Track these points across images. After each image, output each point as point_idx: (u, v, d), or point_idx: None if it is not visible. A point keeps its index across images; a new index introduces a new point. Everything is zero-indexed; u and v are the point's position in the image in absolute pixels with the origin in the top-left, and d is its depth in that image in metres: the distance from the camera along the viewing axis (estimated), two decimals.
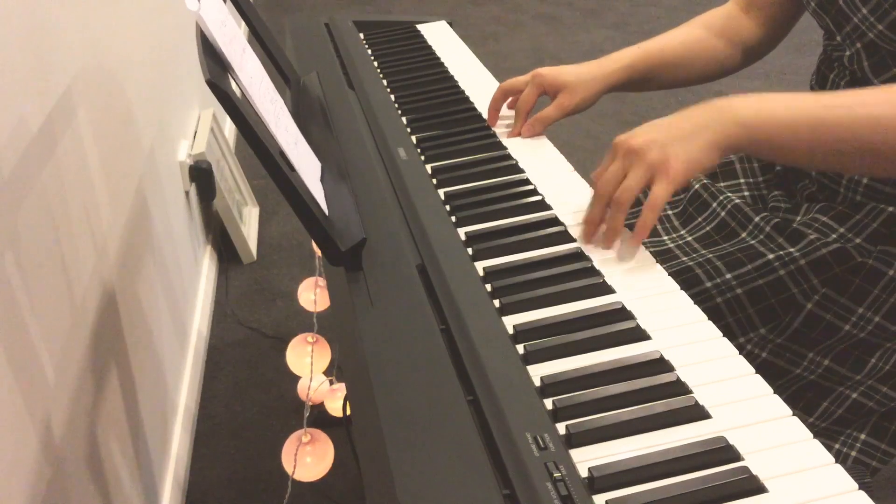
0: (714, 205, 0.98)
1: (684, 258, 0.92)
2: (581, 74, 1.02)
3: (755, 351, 0.85)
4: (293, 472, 1.22)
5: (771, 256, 0.87)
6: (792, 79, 3.02)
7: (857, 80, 0.86)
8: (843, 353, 0.84)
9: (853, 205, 0.90)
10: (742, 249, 0.90)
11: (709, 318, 0.69)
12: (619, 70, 1.02)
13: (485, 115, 1.08)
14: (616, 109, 2.86)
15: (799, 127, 0.72)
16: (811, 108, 0.72)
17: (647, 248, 0.80)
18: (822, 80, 0.92)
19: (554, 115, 1.02)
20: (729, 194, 0.98)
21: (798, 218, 0.92)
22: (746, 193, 1.03)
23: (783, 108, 0.73)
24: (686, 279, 0.88)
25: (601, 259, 0.78)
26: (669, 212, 1.04)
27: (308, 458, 1.23)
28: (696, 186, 1.01)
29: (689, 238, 0.98)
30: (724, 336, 0.67)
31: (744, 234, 0.93)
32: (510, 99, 1.06)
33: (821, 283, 0.84)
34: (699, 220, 0.99)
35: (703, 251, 0.93)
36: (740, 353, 0.65)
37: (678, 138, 0.74)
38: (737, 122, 0.73)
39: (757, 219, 0.92)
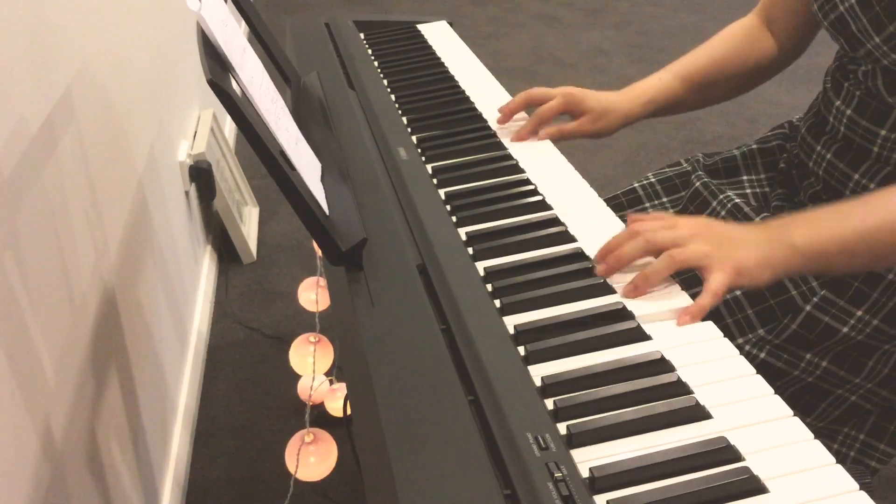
0: (714, 203, 0.98)
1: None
2: (607, 105, 1.04)
3: (753, 352, 0.84)
4: (296, 472, 1.22)
5: None
6: (791, 79, 3.02)
7: (872, 95, 0.86)
8: (841, 354, 0.84)
9: None
10: None
11: (707, 319, 0.70)
12: (641, 106, 1.05)
13: (485, 115, 1.08)
14: None
15: (854, 248, 0.73)
16: (859, 225, 0.73)
17: None
18: (838, 87, 0.92)
19: (572, 132, 1.04)
20: (729, 193, 0.98)
21: None
22: (748, 191, 1.03)
23: (837, 230, 0.73)
24: (685, 279, 0.88)
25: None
26: (670, 210, 1.04)
27: (311, 457, 1.23)
28: (697, 185, 1.01)
29: None
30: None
31: None
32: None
33: (820, 285, 0.84)
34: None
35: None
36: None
37: (738, 245, 0.73)
38: (790, 247, 0.73)
39: (757, 219, 0.92)
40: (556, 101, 1.03)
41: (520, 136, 1.03)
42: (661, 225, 0.75)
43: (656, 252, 0.74)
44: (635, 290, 0.72)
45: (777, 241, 0.73)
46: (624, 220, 0.87)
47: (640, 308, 0.71)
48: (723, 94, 1.09)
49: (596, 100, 1.04)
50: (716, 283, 0.70)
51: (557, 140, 1.04)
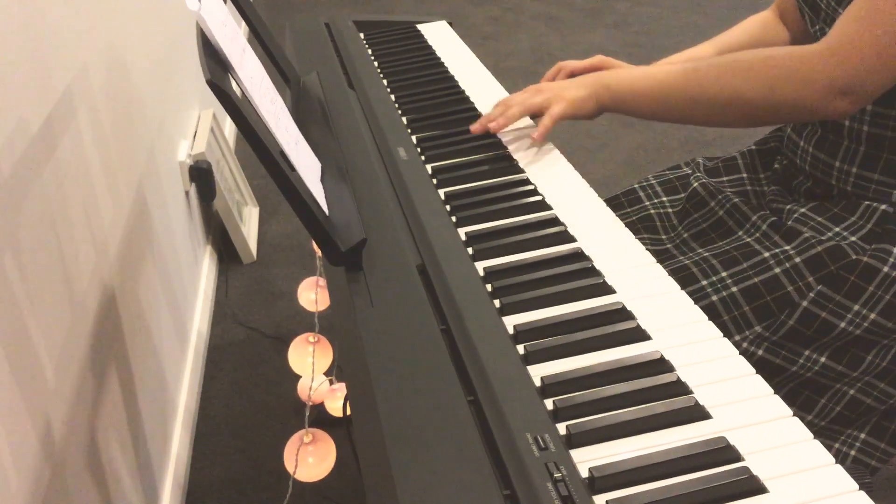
0: (712, 203, 0.98)
1: (681, 257, 0.93)
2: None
3: (751, 349, 0.85)
4: (294, 472, 1.22)
5: (766, 254, 0.87)
6: None
7: None
8: (839, 350, 0.84)
9: (848, 206, 0.90)
10: (738, 247, 0.90)
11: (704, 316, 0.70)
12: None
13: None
14: None
15: (651, 92, 0.92)
16: (659, 76, 0.92)
17: (643, 244, 0.80)
18: None
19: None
20: (728, 193, 0.98)
21: (794, 215, 0.92)
22: (749, 188, 1.03)
23: (641, 75, 0.94)
24: (682, 277, 0.88)
25: (601, 259, 0.78)
26: (670, 210, 1.04)
27: (310, 458, 1.23)
28: (695, 185, 1.01)
29: (686, 235, 0.99)
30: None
31: (741, 233, 0.94)
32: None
33: (816, 280, 0.84)
34: (695, 216, 1.00)
35: (700, 249, 0.93)
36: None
37: (570, 88, 0.97)
38: (605, 87, 0.95)
39: (754, 217, 0.93)
40: (587, 60, 1.13)
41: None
42: (529, 92, 0.99)
43: (530, 112, 0.99)
44: (496, 125, 0.98)
45: (595, 83, 0.96)
46: (622, 219, 0.87)
47: (640, 310, 0.71)
48: None
49: (624, 66, 1.10)
50: (554, 109, 0.96)
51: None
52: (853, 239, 0.86)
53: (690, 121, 0.92)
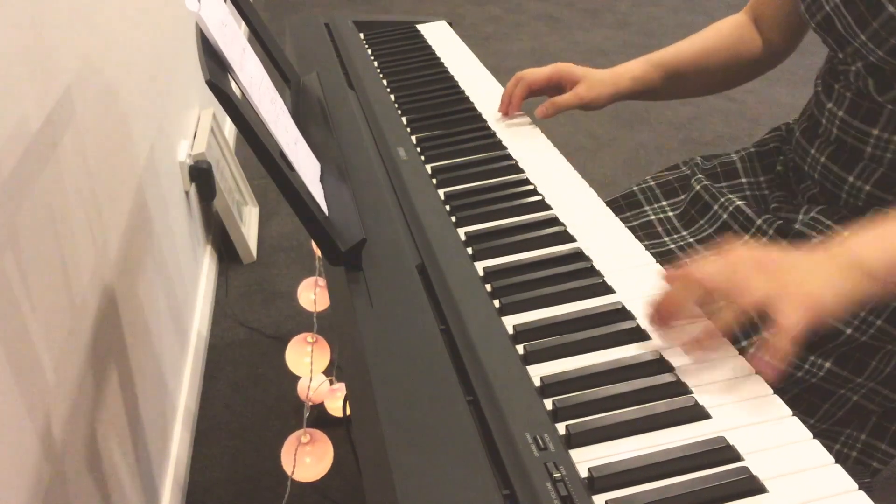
0: (715, 207, 0.98)
1: (686, 260, 0.92)
2: (596, 75, 1.08)
3: (758, 354, 0.84)
4: (292, 473, 1.22)
5: None
6: (791, 79, 3.02)
7: (863, 95, 0.86)
8: (845, 355, 0.84)
9: (855, 208, 0.89)
10: None
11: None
12: (628, 80, 1.08)
13: (485, 115, 1.09)
14: (616, 110, 2.86)
15: None
16: None
17: (647, 249, 0.80)
18: (829, 90, 0.92)
19: (570, 101, 1.06)
20: (730, 196, 0.97)
21: (800, 217, 0.92)
22: (748, 193, 1.02)
23: None
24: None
25: (601, 259, 0.78)
26: (670, 213, 1.04)
27: (307, 458, 1.23)
28: (697, 188, 1.01)
29: (691, 240, 0.98)
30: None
31: (746, 237, 0.93)
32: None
33: None
34: (701, 222, 0.99)
35: (705, 253, 0.93)
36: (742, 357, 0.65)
37: (810, 279, 0.64)
38: (867, 274, 0.66)
39: (759, 221, 0.92)
40: (546, 70, 1.08)
41: (508, 108, 1.08)
42: (712, 266, 0.66)
43: (709, 297, 0.66)
44: (700, 346, 0.65)
45: (847, 268, 0.65)
46: (625, 222, 0.87)
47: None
48: (705, 87, 1.11)
49: (585, 70, 1.08)
50: (790, 320, 0.60)
51: (553, 115, 1.06)
52: None
53: None
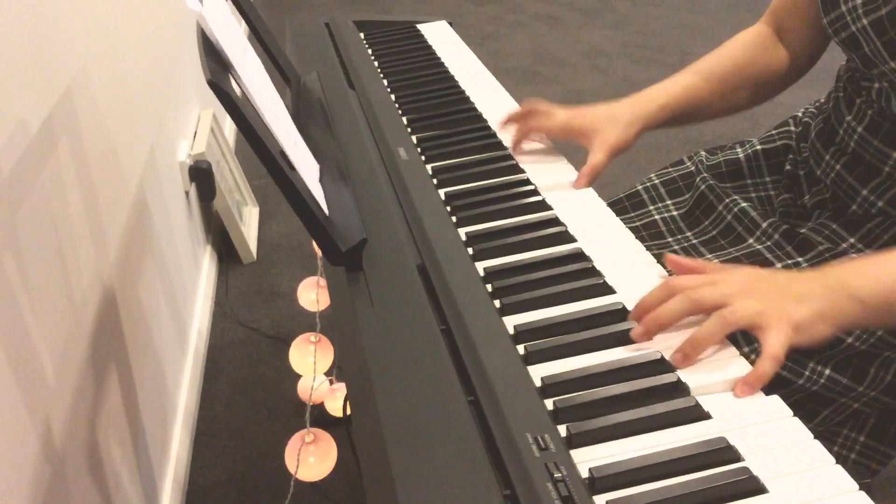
0: (720, 208, 0.96)
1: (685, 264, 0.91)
2: (613, 116, 0.97)
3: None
4: (296, 472, 1.22)
5: (778, 265, 0.86)
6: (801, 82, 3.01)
7: (885, 116, 0.84)
8: (844, 362, 0.84)
9: (865, 219, 0.88)
10: (749, 255, 0.89)
11: None
12: (657, 109, 0.98)
13: (485, 115, 1.08)
14: None
15: None
16: None
17: (650, 251, 0.80)
18: (850, 102, 0.89)
19: (603, 161, 0.95)
20: (735, 197, 0.96)
21: (808, 223, 0.91)
22: (753, 195, 1.01)
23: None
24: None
25: (602, 259, 0.78)
26: (675, 212, 1.03)
27: (311, 457, 1.23)
28: (703, 187, 1.00)
29: (695, 241, 0.97)
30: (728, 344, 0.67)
31: (751, 240, 0.92)
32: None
33: None
34: (705, 223, 0.98)
35: (709, 255, 0.92)
36: None
37: (791, 299, 0.66)
38: (851, 297, 0.66)
39: (764, 224, 0.91)
40: (558, 126, 0.97)
41: (513, 146, 1.00)
42: (702, 281, 0.68)
43: (700, 312, 0.67)
44: (685, 359, 0.65)
45: (835, 291, 0.66)
46: (626, 223, 0.86)
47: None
48: (745, 101, 1.03)
49: (596, 124, 0.96)
50: (775, 345, 0.63)
51: (597, 176, 0.95)
52: (868, 251, 0.85)
53: None
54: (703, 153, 1.08)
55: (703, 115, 1.03)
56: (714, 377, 0.63)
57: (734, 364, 0.65)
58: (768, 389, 0.62)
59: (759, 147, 1.04)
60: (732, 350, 0.66)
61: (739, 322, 0.65)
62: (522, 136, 1.00)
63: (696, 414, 0.59)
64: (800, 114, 1.03)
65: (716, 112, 1.03)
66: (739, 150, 1.05)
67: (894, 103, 0.83)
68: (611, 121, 0.96)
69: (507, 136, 1.03)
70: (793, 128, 1.03)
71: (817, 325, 0.65)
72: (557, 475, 0.54)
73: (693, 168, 1.06)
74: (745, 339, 0.84)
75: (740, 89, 1.02)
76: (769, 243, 0.90)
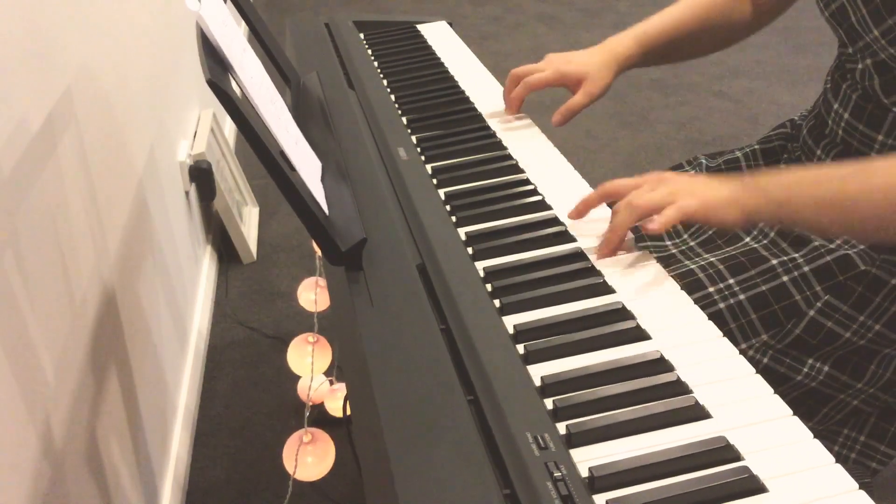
0: None
1: (687, 262, 0.92)
2: (596, 66, 1.05)
3: (756, 357, 0.84)
4: (294, 472, 1.22)
5: (775, 262, 0.86)
6: (791, 79, 3.02)
7: (869, 98, 0.86)
8: (843, 359, 0.84)
9: None
10: (745, 254, 0.89)
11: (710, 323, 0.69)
12: (623, 60, 1.06)
13: (485, 116, 1.08)
14: (616, 110, 2.86)
15: (827, 209, 0.74)
16: (837, 190, 0.74)
17: (650, 253, 0.80)
18: (836, 89, 0.91)
19: (584, 102, 1.04)
20: None
21: None
22: None
23: (812, 187, 0.74)
24: (689, 283, 0.87)
25: (601, 259, 0.78)
26: None
27: (309, 457, 1.23)
28: None
29: (693, 243, 0.98)
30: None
31: (748, 239, 0.92)
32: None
33: (823, 290, 0.83)
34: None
35: (707, 255, 0.92)
36: None
37: (705, 185, 0.76)
38: (758, 188, 0.75)
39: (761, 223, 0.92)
40: (547, 75, 1.05)
41: (511, 107, 1.07)
42: (632, 188, 0.78)
43: (645, 215, 0.75)
44: (608, 245, 0.76)
45: (747, 185, 0.75)
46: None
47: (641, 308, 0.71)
48: (691, 56, 1.10)
49: (581, 67, 1.05)
50: (681, 204, 0.73)
51: (570, 119, 1.04)
52: (862, 248, 0.86)
53: (877, 237, 0.79)
54: (702, 158, 1.09)
55: (671, 59, 1.10)
56: (714, 376, 0.63)
57: (734, 362, 0.65)
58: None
59: (757, 147, 1.05)
60: (732, 350, 0.66)
61: (650, 203, 0.74)
62: (521, 96, 1.07)
63: (696, 413, 0.59)
64: (796, 117, 1.05)
65: (682, 56, 1.11)
66: (738, 152, 1.06)
67: (877, 82, 0.84)
68: (595, 68, 1.05)
69: (506, 136, 1.03)
70: (789, 129, 1.04)
71: (727, 208, 0.74)
72: (557, 474, 0.54)
73: (692, 171, 1.07)
74: (742, 336, 0.84)
75: (698, 43, 1.08)
76: (765, 241, 0.90)
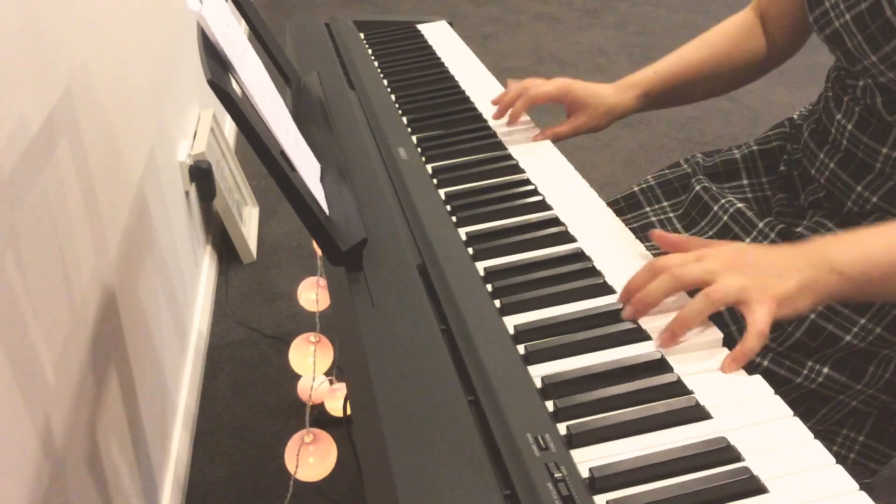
0: (715, 208, 0.97)
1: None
2: (601, 100, 1.05)
3: (757, 360, 0.84)
4: (295, 472, 1.21)
5: None
6: (791, 79, 3.02)
7: (872, 113, 0.85)
8: (842, 361, 0.84)
9: (860, 216, 0.89)
10: None
11: (712, 327, 0.69)
12: (635, 99, 1.06)
13: (485, 115, 1.08)
14: None
15: None
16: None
17: (650, 252, 0.80)
18: (838, 101, 0.90)
19: (566, 132, 1.05)
20: (731, 198, 0.97)
21: (804, 222, 0.91)
22: (750, 195, 1.01)
23: (884, 252, 0.69)
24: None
25: (602, 259, 0.78)
26: (671, 214, 1.03)
27: (311, 458, 1.23)
28: (698, 188, 1.00)
29: None
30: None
31: (747, 240, 0.92)
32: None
33: None
34: (702, 224, 0.98)
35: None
36: None
37: (775, 280, 0.67)
38: (832, 270, 0.68)
39: (761, 224, 0.91)
40: (551, 86, 1.04)
41: (510, 118, 1.06)
42: (686, 259, 0.69)
43: (685, 289, 0.69)
44: (673, 337, 0.66)
45: (817, 265, 0.67)
46: (626, 223, 0.86)
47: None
48: (710, 93, 1.10)
49: (590, 94, 1.04)
50: (760, 320, 0.64)
51: (553, 141, 1.04)
52: None
53: None
54: (699, 156, 1.09)
55: (680, 101, 1.10)
56: (714, 377, 0.63)
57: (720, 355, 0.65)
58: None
59: (755, 147, 1.04)
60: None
61: (724, 299, 0.66)
62: (523, 108, 1.06)
63: (697, 414, 0.59)
64: (795, 116, 1.04)
65: (693, 98, 1.10)
66: (736, 151, 1.06)
67: (879, 100, 0.84)
68: (596, 110, 1.05)
69: (507, 137, 1.03)
70: (788, 129, 1.03)
71: (800, 299, 0.67)
72: (558, 475, 0.54)
73: (689, 170, 1.07)
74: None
75: (717, 78, 1.07)
76: (766, 243, 0.90)
